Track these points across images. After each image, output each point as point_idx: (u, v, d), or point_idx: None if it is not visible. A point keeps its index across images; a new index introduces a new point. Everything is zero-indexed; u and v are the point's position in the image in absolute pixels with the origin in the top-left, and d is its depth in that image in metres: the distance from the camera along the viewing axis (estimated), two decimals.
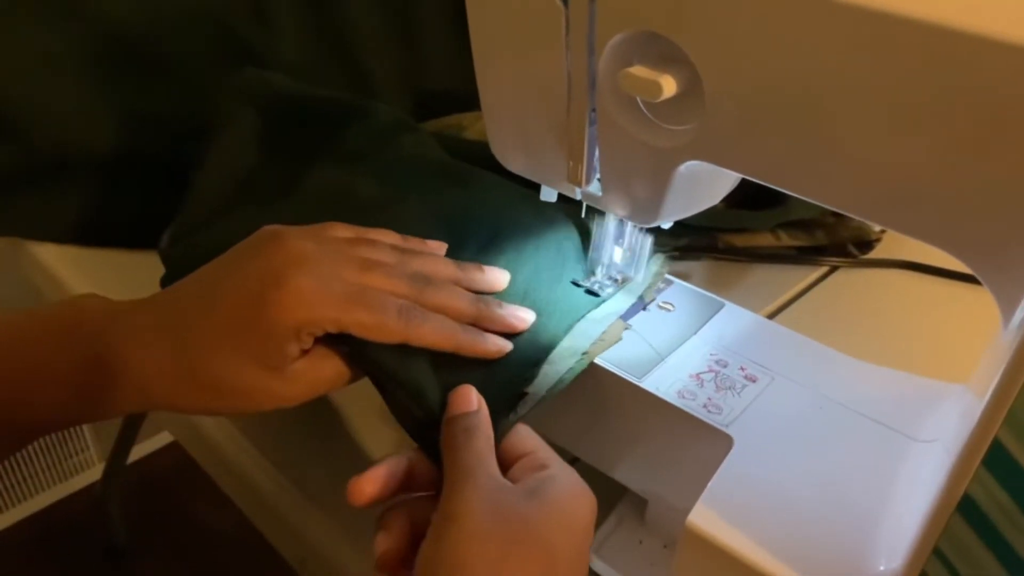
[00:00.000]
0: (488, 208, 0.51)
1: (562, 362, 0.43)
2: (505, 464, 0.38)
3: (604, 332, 0.45)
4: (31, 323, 0.40)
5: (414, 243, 0.46)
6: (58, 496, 1.42)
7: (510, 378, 0.41)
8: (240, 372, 0.38)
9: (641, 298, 0.48)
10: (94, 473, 1.44)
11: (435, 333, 0.40)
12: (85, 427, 1.40)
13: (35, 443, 1.35)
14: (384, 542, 0.37)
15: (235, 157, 0.60)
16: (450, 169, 0.57)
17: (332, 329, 0.39)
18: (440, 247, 0.47)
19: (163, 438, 1.49)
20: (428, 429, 0.39)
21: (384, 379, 0.40)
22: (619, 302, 0.47)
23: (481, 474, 0.35)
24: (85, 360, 0.38)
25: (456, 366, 0.41)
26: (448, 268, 0.44)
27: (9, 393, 0.38)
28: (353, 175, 0.54)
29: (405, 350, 0.40)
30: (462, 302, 0.42)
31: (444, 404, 0.39)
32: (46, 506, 1.41)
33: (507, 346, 0.42)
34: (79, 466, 1.44)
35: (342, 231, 0.44)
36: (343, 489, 0.49)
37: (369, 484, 0.37)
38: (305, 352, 0.39)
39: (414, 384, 0.40)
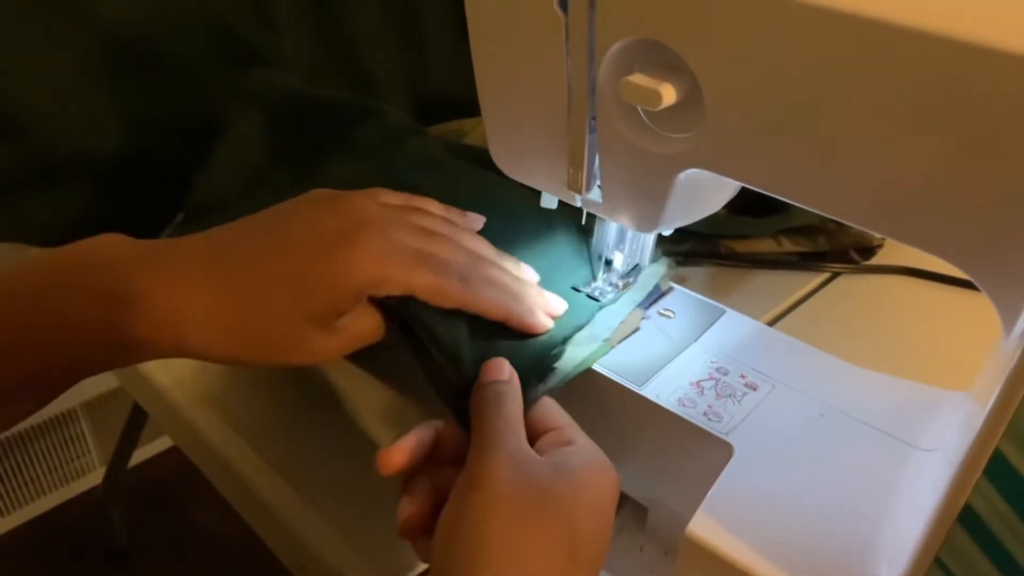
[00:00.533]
0: (498, 204, 0.51)
1: (585, 345, 0.44)
2: (532, 437, 0.38)
3: (623, 321, 0.46)
4: (48, 267, 0.38)
5: (455, 214, 0.47)
6: (60, 500, 1.42)
7: (539, 352, 0.43)
8: (292, 326, 0.38)
9: (657, 286, 0.49)
10: (95, 477, 1.44)
11: (492, 301, 0.42)
12: (87, 431, 1.40)
13: (37, 447, 1.36)
14: (407, 507, 0.37)
15: (243, 152, 0.60)
16: (459, 168, 0.57)
17: (397, 291, 0.39)
18: (477, 220, 0.48)
19: (164, 442, 1.48)
20: (460, 396, 0.40)
21: (427, 340, 0.41)
22: (636, 292, 0.48)
23: (509, 441, 0.35)
24: (110, 303, 0.36)
25: (490, 336, 0.42)
26: (490, 251, 0.46)
27: (30, 343, 0.36)
28: (365, 168, 0.55)
29: (448, 315, 0.41)
30: (509, 280, 0.44)
31: (477, 371, 0.40)
32: (48, 510, 1.41)
33: (550, 324, 0.44)
34: (81, 470, 1.44)
35: (389, 197, 0.45)
36: (342, 495, 0.49)
37: (398, 454, 0.37)
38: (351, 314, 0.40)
39: (453, 348, 0.41)
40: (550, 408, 0.40)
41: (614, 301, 0.47)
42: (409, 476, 0.38)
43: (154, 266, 0.37)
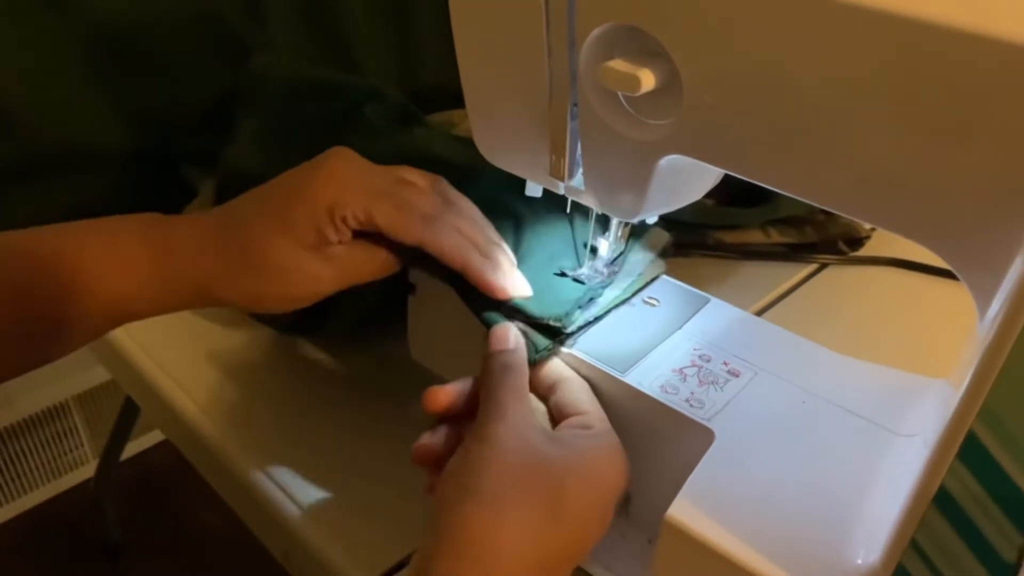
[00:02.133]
0: (506, 190, 0.51)
1: (620, 283, 0.47)
2: (559, 417, 0.41)
3: (645, 268, 0.48)
4: (109, 226, 0.43)
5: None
6: (52, 493, 1.42)
7: (577, 296, 0.46)
8: (285, 251, 0.42)
9: (670, 240, 0.51)
10: (88, 470, 1.44)
11: (452, 247, 0.43)
12: (79, 424, 1.40)
13: (30, 440, 1.36)
14: (427, 439, 0.41)
15: (256, 142, 0.61)
16: (463, 152, 0.57)
17: (361, 216, 0.42)
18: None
19: (157, 435, 1.48)
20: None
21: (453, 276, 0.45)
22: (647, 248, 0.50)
23: (512, 408, 0.38)
24: (148, 251, 0.42)
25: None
26: (475, 215, 0.47)
27: (94, 286, 0.41)
28: (381, 146, 0.56)
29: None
30: (480, 236, 0.45)
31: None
32: (40, 503, 1.41)
33: (510, 292, 0.44)
34: (73, 463, 1.44)
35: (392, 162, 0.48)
36: (326, 485, 0.49)
37: (444, 395, 0.41)
38: (343, 243, 0.43)
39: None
40: (582, 393, 0.42)
41: (602, 286, 0.47)
42: (439, 420, 0.42)
43: (182, 229, 0.43)
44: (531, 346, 0.43)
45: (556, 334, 0.44)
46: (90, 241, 0.42)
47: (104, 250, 0.41)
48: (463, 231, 0.44)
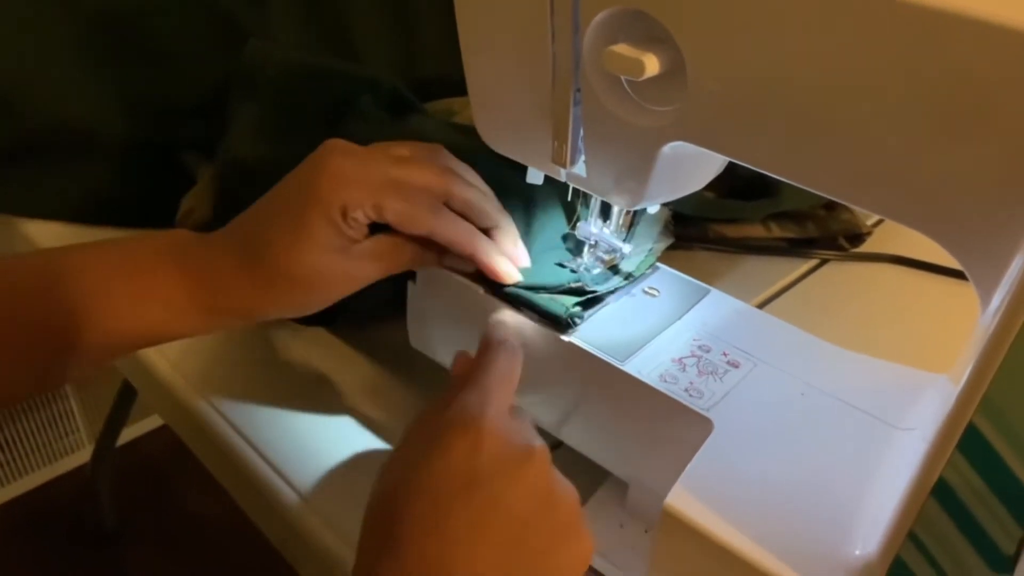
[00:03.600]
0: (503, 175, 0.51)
1: (635, 257, 0.48)
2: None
3: (654, 243, 0.50)
4: (142, 250, 0.43)
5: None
6: (47, 478, 1.42)
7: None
8: (309, 260, 0.42)
9: (668, 223, 0.51)
10: (83, 455, 1.44)
11: (459, 234, 0.44)
12: (75, 409, 1.40)
13: (25, 424, 1.36)
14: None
15: (257, 133, 0.60)
16: (458, 139, 0.57)
17: (371, 212, 0.42)
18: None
19: (153, 420, 1.48)
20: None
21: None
22: (653, 223, 0.51)
23: (496, 399, 0.37)
24: (187, 280, 0.42)
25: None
26: (474, 179, 0.47)
27: (129, 309, 0.41)
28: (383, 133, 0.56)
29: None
30: (488, 206, 0.46)
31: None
32: (34, 487, 1.41)
33: (516, 276, 0.46)
34: (68, 448, 1.43)
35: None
36: (325, 473, 0.49)
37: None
38: (366, 238, 0.43)
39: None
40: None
41: (602, 279, 0.47)
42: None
43: (204, 249, 0.44)
44: (560, 306, 0.44)
45: (583, 296, 0.45)
46: (120, 272, 0.42)
47: (136, 284, 0.42)
48: (471, 202, 0.44)
